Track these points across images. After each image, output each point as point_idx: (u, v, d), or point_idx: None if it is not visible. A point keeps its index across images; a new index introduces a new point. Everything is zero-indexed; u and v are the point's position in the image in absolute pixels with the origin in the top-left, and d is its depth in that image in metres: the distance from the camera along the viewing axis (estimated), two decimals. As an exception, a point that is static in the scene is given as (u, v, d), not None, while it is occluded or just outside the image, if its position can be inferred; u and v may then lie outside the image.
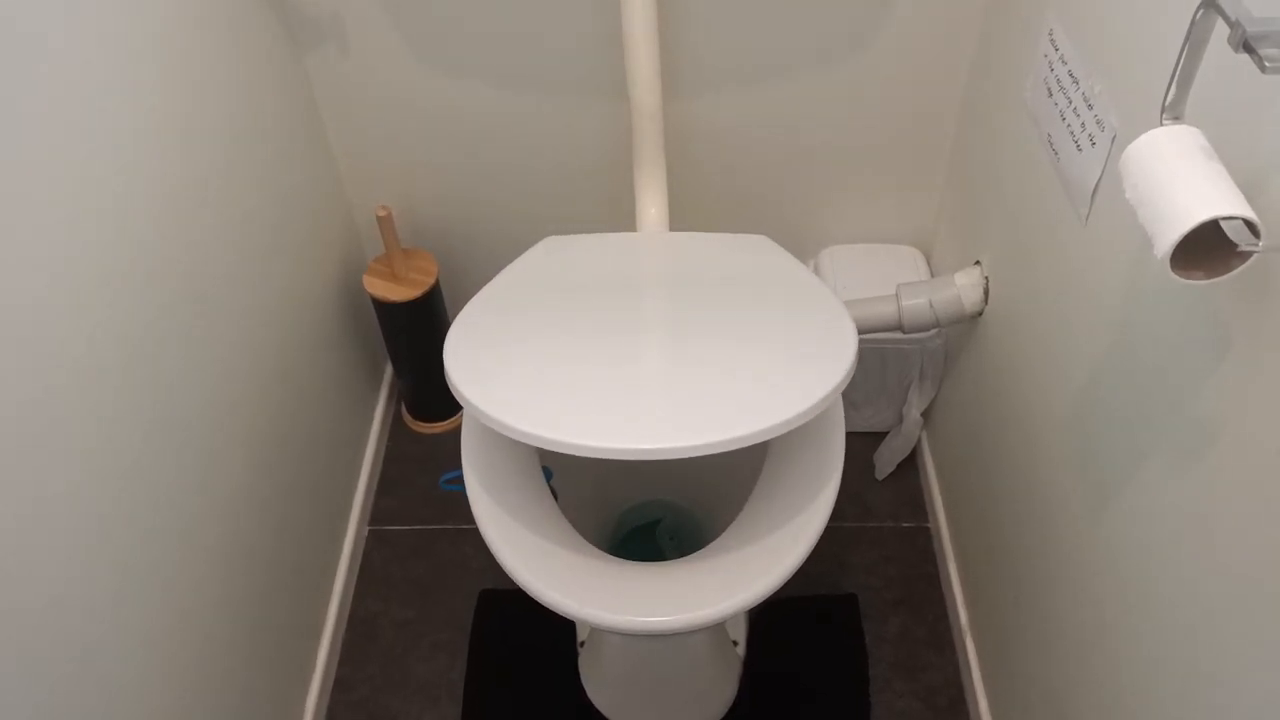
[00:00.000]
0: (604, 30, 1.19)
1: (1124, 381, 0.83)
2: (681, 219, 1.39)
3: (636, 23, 1.09)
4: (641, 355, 0.86)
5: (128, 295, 0.84)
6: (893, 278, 1.35)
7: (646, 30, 1.10)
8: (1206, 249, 0.58)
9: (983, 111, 1.19)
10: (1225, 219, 0.55)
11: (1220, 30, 0.55)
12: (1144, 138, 0.60)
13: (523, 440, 0.78)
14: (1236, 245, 0.56)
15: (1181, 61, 0.59)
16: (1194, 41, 0.58)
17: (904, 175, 1.36)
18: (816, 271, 1.43)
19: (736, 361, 0.85)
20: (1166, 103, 0.61)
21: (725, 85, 1.25)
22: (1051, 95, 0.96)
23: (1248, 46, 0.52)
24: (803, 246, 1.46)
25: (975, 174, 1.23)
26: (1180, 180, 0.57)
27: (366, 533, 1.44)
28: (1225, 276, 0.58)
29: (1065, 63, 0.93)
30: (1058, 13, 0.95)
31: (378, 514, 1.47)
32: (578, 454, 0.76)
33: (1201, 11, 0.57)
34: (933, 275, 1.42)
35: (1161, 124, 0.61)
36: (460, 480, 0.91)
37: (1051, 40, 0.96)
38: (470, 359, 0.85)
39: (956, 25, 1.19)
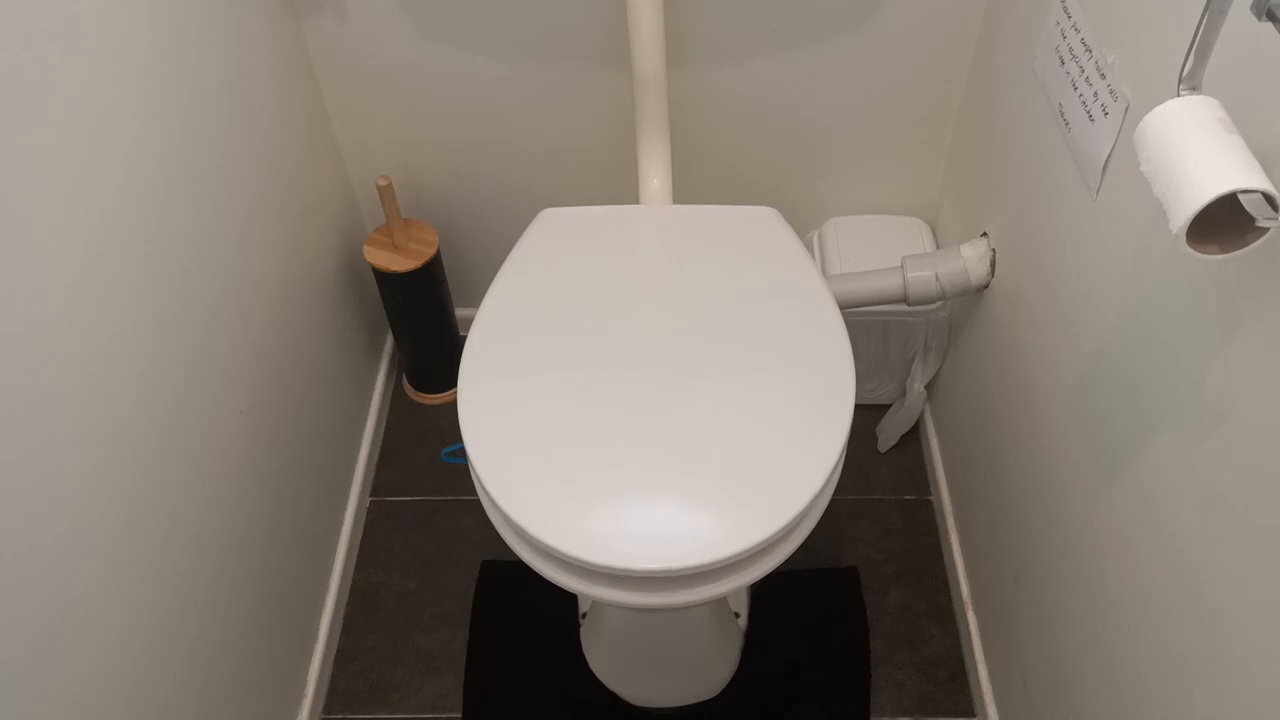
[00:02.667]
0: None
1: (1132, 357, 0.82)
2: (684, 189, 1.37)
3: (639, -10, 1.07)
4: (649, 431, 0.90)
5: (126, 267, 0.83)
6: (897, 249, 1.33)
7: (651, 3, 1.07)
8: (1222, 223, 0.57)
9: (991, 81, 1.17)
10: (1244, 193, 0.53)
11: (1241, -2, 0.54)
12: (1160, 109, 0.59)
13: (550, 553, 0.84)
14: (1254, 220, 0.55)
15: (1200, 31, 0.57)
16: (1214, 10, 0.57)
17: (909, 146, 1.34)
18: (820, 243, 1.42)
19: (738, 447, 0.88)
20: (1184, 73, 0.59)
21: (729, 54, 1.23)
22: (1063, 64, 0.94)
23: (1271, 15, 0.50)
24: (807, 218, 1.44)
25: (982, 144, 1.21)
26: (1197, 153, 0.55)
27: (368, 504, 1.44)
28: (1241, 251, 0.56)
29: (1078, 30, 0.91)
30: (1070, -21, 0.93)
31: (379, 485, 1.46)
32: (601, 571, 0.82)
33: (1222, -21, 0.55)
34: (938, 247, 1.40)
35: (1179, 95, 0.59)
36: (463, 453, 0.91)
37: (1064, 8, 0.94)
38: (490, 445, 0.88)
39: (965, -8, 1.17)
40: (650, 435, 0.89)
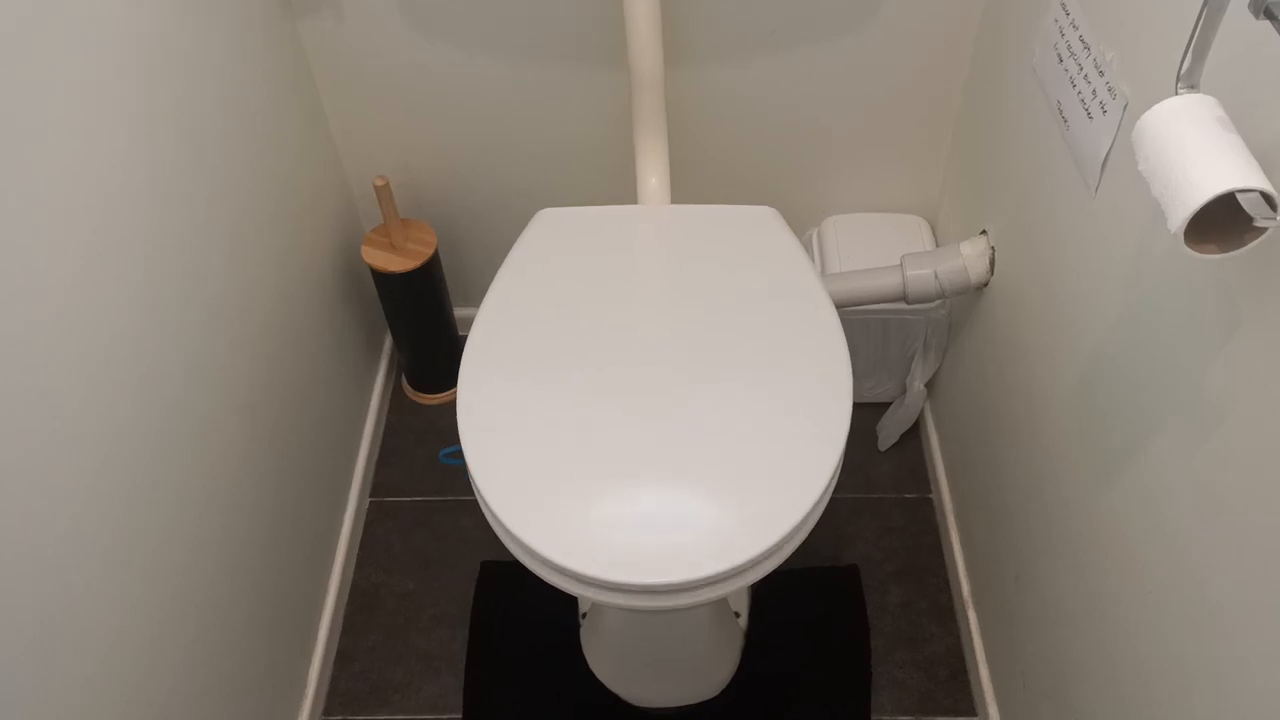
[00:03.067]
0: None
1: (1132, 355, 0.82)
2: (683, 188, 1.37)
3: (638, -11, 1.07)
4: (647, 440, 0.90)
5: (125, 267, 0.83)
6: (897, 247, 1.33)
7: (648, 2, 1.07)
8: (1221, 222, 0.57)
9: (990, 78, 1.17)
10: (1241, 192, 0.53)
11: (1240, -4, 0.54)
12: (1158, 108, 0.58)
13: (555, 576, 0.84)
14: (1252, 219, 0.55)
15: (1198, 29, 0.57)
16: (1211, 8, 0.57)
17: (909, 144, 1.34)
18: (820, 241, 1.42)
19: (738, 453, 0.88)
20: (1182, 71, 0.59)
21: (727, 52, 1.23)
22: (1062, 61, 0.94)
23: (1269, 13, 0.50)
24: (806, 216, 1.44)
25: (982, 143, 1.21)
26: (1195, 152, 0.55)
27: (368, 504, 1.44)
28: (1239, 251, 0.56)
29: (1076, 28, 0.91)
30: (1069, -23, 0.93)
31: (378, 485, 1.46)
32: (602, 588, 0.83)
33: (1220, -23, 0.55)
34: (938, 244, 1.40)
35: (1176, 93, 0.59)
36: (460, 455, 0.91)
37: (1062, 5, 0.94)
38: (489, 456, 0.88)
39: (964, -10, 1.16)
40: (648, 444, 0.89)
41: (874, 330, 1.37)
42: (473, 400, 0.92)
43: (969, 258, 1.19)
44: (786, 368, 0.94)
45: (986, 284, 1.19)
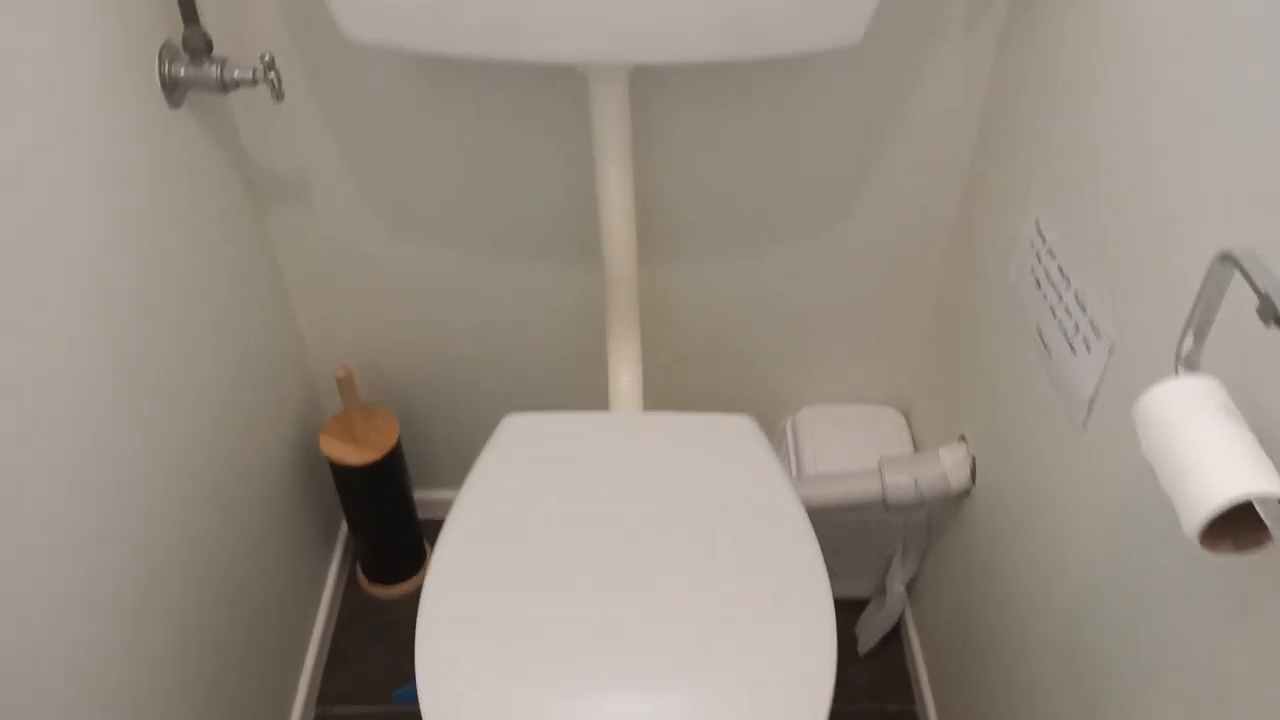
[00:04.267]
0: (578, 193, 1.16)
1: (1120, 591, 0.77)
2: (656, 381, 1.34)
3: (613, 194, 1.06)
4: (618, 694, 0.85)
5: (75, 452, 0.76)
6: (871, 443, 1.30)
7: (622, 202, 1.06)
8: (1233, 516, 0.53)
9: (965, 287, 1.16)
10: (1259, 497, 0.50)
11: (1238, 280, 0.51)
12: (1159, 391, 0.56)
13: None
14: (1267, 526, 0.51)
15: (1198, 312, 0.55)
16: (1210, 291, 0.54)
17: (883, 339, 1.33)
18: (794, 433, 1.38)
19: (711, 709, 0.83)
20: (1182, 353, 0.56)
21: (701, 247, 1.22)
22: (1040, 287, 0.92)
23: (1279, 320, 0.47)
24: (779, 406, 1.41)
25: (958, 346, 1.19)
26: (1205, 446, 0.52)
27: (314, 716, 1.34)
28: (1256, 551, 0.52)
29: (1054, 256, 0.90)
30: (1044, 202, 0.92)
31: (326, 692, 1.36)
32: None
33: (1219, 264, 0.53)
34: (914, 441, 1.37)
35: (1177, 374, 0.56)
36: (415, 696, 0.84)
37: (1039, 230, 0.93)
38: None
39: (937, 195, 1.17)
40: (619, 694, 0.83)
41: (850, 530, 1.32)
42: (433, 653, 0.86)
43: (949, 465, 1.15)
44: (766, 605, 0.88)
45: (968, 491, 1.15)
